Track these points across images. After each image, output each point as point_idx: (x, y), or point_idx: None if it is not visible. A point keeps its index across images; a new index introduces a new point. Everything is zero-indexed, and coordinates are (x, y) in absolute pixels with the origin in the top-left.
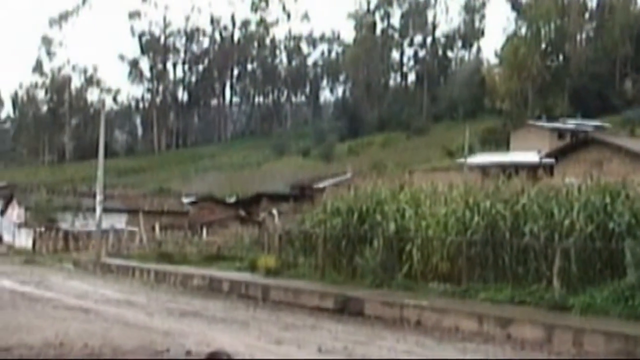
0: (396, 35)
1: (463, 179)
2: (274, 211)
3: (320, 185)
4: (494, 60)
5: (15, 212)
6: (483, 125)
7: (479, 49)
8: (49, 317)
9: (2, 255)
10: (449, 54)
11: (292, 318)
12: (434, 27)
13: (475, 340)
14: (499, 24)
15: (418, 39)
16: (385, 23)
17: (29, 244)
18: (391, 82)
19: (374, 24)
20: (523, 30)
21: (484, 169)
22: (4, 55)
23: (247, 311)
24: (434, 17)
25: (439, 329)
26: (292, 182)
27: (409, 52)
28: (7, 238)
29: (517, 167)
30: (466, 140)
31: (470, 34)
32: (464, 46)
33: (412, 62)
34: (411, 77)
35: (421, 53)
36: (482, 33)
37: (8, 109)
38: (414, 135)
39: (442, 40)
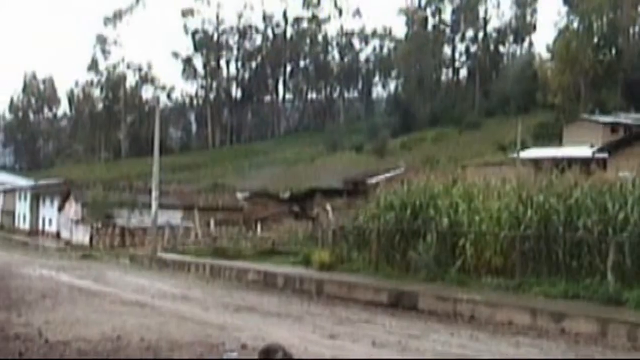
0: (448, 31)
1: (516, 173)
2: (328, 206)
3: (374, 180)
4: (546, 55)
5: (72, 209)
6: (536, 120)
7: (531, 44)
8: (106, 312)
9: (60, 250)
10: (501, 49)
11: (347, 312)
12: (486, 22)
13: (529, 334)
14: (550, 19)
15: (470, 34)
16: (437, 19)
17: (86, 239)
18: (443, 78)
19: (426, 19)
20: (575, 25)
21: (537, 164)
22: (60, 54)
23: (302, 306)
24: (486, 12)
25: (492, 323)
26: (345, 177)
27: (460, 47)
28: (65, 234)
29: (570, 162)
30: (519, 135)
31: (522, 29)
32: (515, 41)
33: (464, 58)
34: (463, 73)
35: (473, 48)
36: (534, 28)
37: (65, 107)
38: (467, 130)
39: (494, 35)
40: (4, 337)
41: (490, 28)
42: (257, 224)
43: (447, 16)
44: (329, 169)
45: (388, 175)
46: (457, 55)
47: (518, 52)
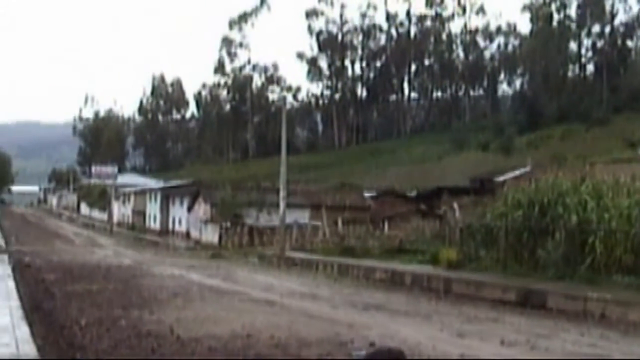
0: (573, 26)
1: None
2: (455, 205)
3: (500, 178)
4: None
5: (201, 209)
6: None
7: None
8: (235, 310)
9: (189, 250)
10: (629, 43)
11: (474, 311)
12: (612, 16)
13: None
14: None
15: (596, 28)
16: (562, 14)
17: (215, 239)
18: (569, 74)
19: (551, 15)
20: None
21: None
22: (187, 57)
23: (429, 304)
24: (612, 6)
25: (623, 322)
26: (471, 175)
27: (586, 42)
28: (194, 233)
29: None
30: None
31: None
32: None
33: (590, 53)
34: (590, 68)
35: (599, 43)
36: None
37: (192, 108)
38: (594, 126)
39: (621, 29)
40: (136, 333)
41: (616, 22)
42: (384, 223)
43: (572, 11)
44: (455, 167)
45: (515, 173)
46: (583, 51)
47: None
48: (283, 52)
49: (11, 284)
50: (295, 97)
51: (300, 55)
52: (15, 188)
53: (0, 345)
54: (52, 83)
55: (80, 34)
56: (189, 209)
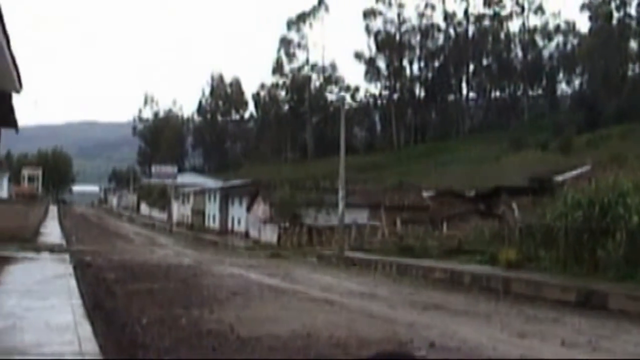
0: (633, 24)
1: None
2: (514, 205)
3: (560, 178)
4: None
5: (260, 208)
6: None
7: None
8: (295, 309)
9: (248, 249)
10: None
11: (534, 311)
12: None
13: None
14: None
15: None
16: (622, 12)
17: (273, 238)
18: (629, 73)
19: (610, 13)
20: None
21: None
22: (246, 57)
23: (489, 304)
24: None
25: None
26: (530, 175)
27: None
28: (253, 233)
29: None
30: None
31: None
32: None
33: None
34: None
35: None
36: None
37: (251, 109)
38: None
39: None
40: (197, 332)
41: None
42: (443, 223)
43: (632, 9)
44: (513, 167)
45: (574, 172)
46: None
47: None
48: (341, 52)
49: (73, 282)
50: (353, 97)
51: (358, 55)
52: (76, 188)
53: (64, 343)
54: (113, 84)
55: (140, 35)
56: (248, 208)
